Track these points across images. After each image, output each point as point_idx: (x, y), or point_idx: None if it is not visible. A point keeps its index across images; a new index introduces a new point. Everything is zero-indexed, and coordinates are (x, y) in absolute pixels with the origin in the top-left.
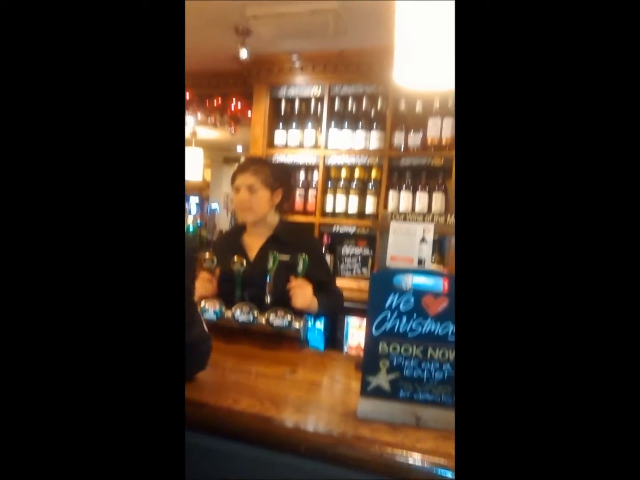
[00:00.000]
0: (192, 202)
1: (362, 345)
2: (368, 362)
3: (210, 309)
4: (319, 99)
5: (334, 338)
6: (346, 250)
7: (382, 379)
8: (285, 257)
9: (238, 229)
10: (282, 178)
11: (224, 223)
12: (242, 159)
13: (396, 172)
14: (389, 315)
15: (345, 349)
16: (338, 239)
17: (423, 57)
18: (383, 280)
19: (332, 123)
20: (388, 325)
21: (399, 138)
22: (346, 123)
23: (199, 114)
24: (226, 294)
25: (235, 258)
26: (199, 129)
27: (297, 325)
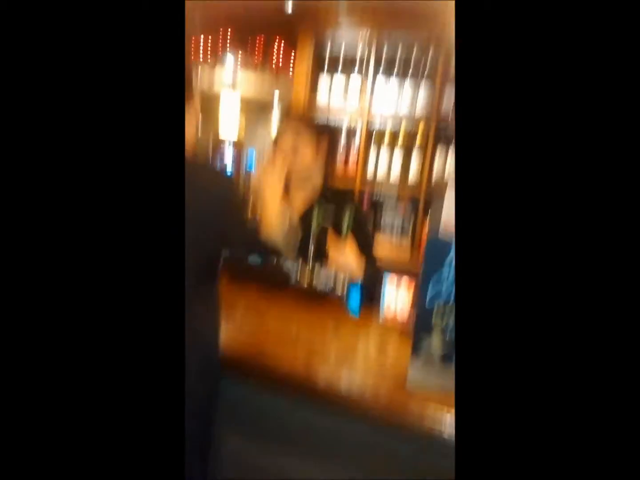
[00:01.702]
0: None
1: (400, 310)
2: (419, 332)
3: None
4: (366, 49)
5: (372, 302)
6: (387, 216)
7: (433, 349)
8: (329, 218)
9: None
10: (324, 136)
11: None
12: (279, 114)
13: (443, 135)
14: (442, 286)
15: (382, 314)
16: (379, 205)
17: None
18: (438, 250)
19: (379, 77)
20: (441, 296)
21: (448, 100)
22: (394, 77)
23: (239, 61)
24: None
25: None
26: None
27: (340, 285)
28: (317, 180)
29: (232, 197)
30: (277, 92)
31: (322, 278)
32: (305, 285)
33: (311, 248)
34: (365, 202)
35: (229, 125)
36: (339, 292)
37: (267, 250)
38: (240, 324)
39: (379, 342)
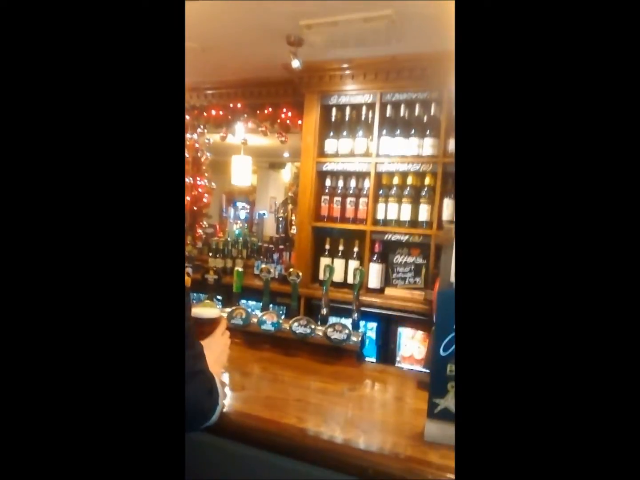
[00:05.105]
0: (240, 207)
1: (416, 356)
2: (435, 384)
3: (268, 320)
4: (371, 107)
5: (387, 349)
6: (398, 258)
7: (450, 402)
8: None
9: None
10: None
11: (270, 228)
12: (290, 165)
13: (451, 178)
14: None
15: (398, 359)
16: (390, 248)
17: None
18: (451, 299)
19: (384, 131)
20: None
21: (453, 144)
22: (398, 130)
23: (249, 123)
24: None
25: (291, 270)
26: (249, 137)
27: (354, 338)
28: None
29: None
30: (286, 153)
31: (339, 333)
32: (321, 341)
33: (324, 301)
34: (377, 245)
35: (242, 182)
36: (357, 345)
37: None
38: (256, 390)
39: (404, 394)
